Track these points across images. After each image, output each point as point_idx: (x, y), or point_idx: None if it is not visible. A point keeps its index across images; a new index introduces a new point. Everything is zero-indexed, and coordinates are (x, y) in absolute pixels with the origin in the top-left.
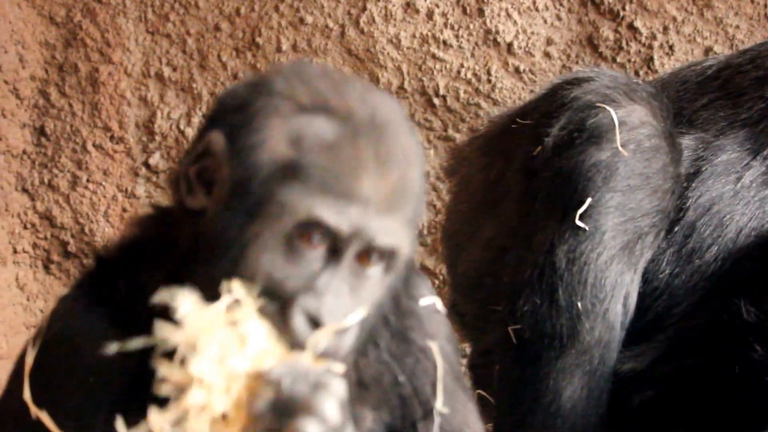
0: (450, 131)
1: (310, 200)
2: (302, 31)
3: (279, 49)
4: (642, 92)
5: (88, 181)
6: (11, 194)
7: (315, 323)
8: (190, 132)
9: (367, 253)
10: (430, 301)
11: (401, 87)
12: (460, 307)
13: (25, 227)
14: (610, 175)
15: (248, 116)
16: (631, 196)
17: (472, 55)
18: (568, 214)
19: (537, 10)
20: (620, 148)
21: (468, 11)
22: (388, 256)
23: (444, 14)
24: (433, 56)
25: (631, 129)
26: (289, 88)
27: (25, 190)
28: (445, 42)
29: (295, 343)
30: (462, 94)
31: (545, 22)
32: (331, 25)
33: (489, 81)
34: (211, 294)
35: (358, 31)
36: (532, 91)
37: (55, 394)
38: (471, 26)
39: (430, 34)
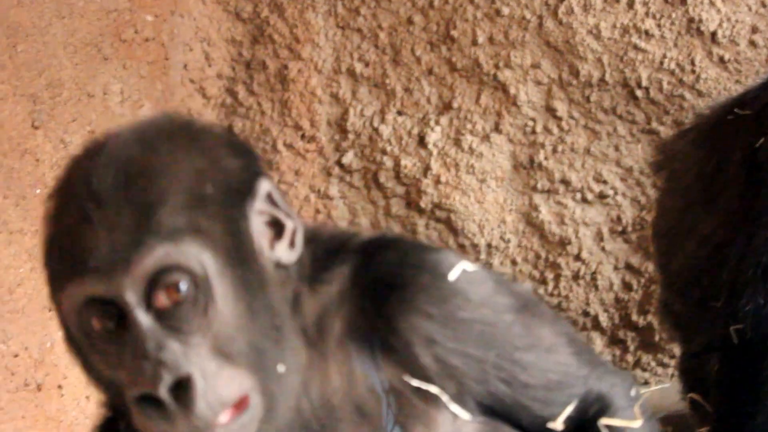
0: (654, 124)
1: (70, 286)
2: (498, 23)
3: (474, 42)
4: None
5: (279, 181)
6: None
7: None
8: (384, 129)
9: (156, 291)
10: (460, 269)
11: (602, 79)
12: (673, 306)
13: None
14: None
15: None
16: None
17: (675, 44)
18: None
19: None
20: None
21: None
22: (180, 276)
23: (645, 3)
24: (635, 47)
25: None
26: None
27: None
28: (646, 32)
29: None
30: (665, 86)
31: (750, 9)
32: (528, 16)
33: (693, 71)
34: None
35: (557, 22)
36: (737, 81)
37: None
38: (673, 15)
39: (631, 23)
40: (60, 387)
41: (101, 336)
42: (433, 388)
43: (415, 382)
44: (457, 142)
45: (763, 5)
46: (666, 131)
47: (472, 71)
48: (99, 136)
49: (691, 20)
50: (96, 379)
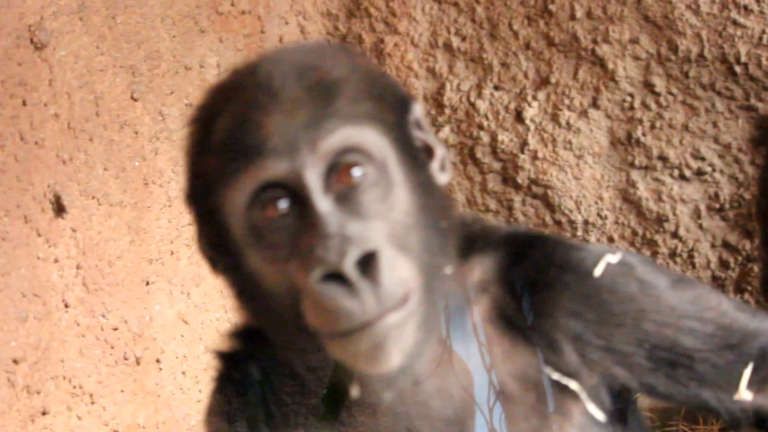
0: (752, 100)
1: (244, 173)
2: None
3: (573, 17)
4: None
5: None
6: None
7: (336, 276)
8: (481, 104)
9: (338, 172)
10: (604, 264)
11: (701, 55)
12: None
13: None
14: None
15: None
16: None
17: None
18: None
19: None
20: None
21: None
22: (360, 158)
23: None
24: (734, 22)
25: None
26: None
27: None
28: (746, 7)
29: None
30: (764, 62)
31: None
32: None
33: None
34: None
35: None
36: None
37: None
38: None
39: None
40: (158, 361)
41: (274, 224)
42: (573, 384)
43: (556, 375)
44: (555, 118)
45: None
46: (765, 107)
47: (569, 46)
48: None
49: None
50: (248, 285)
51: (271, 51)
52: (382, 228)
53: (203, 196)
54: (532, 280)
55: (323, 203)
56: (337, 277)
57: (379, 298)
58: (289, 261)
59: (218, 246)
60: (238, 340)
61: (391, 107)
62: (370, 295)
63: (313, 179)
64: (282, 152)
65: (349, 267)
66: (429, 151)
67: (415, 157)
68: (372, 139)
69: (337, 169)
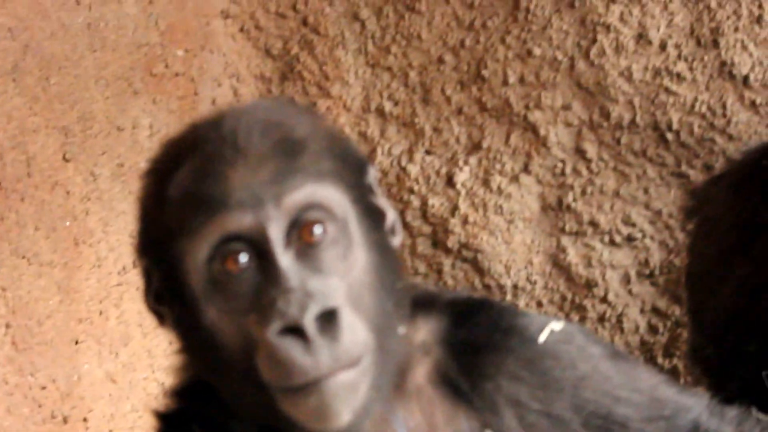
0: (684, 167)
1: (207, 225)
2: (530, 63)
3: (505, 83)
4: None
5: None
6: None
7: (294, 330)
8: (412, 169)
9: (300, 229)
10: (548, 331)
11: (633, 121)
12: (704, 352)
13: None
14: None
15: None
16: None
17: (707, 88)
18: None
19: None
20: None
21: (702, 42)
22: (323, 216)
23: (677, 46)
24: (666, 90)
25: None
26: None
27: None
28: (678, 75)
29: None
30: (696, 129)
31: None
32: (559, 57)
33: (724, 115)
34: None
35: (588, 64)
36: None
37: None
38: (705, 58)
39: (663, 66)
40: (85, 420)
41: (235, 277)
42: None
43: None
44: (486, 183)
45: None
46: (696, 175)
47: (502, 111)
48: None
49: (723, 63)
50: (202, 338)
51: (233, 107)
52: (341, 286)
53: (158, 247)
54: (476, 343)
55: (285, 258)
56: (295, 331)
57: (334, 356)
58: (248, 314)
59: (171, 299)
60: (179, 398)
61: (351, 167)
62: (326, 351)
63: (276, 234)
64: (246, 205)
65: (309, 321)
66: (381, 213)
67: (372, 217)
68: (335, 197)
69: (299, 225)
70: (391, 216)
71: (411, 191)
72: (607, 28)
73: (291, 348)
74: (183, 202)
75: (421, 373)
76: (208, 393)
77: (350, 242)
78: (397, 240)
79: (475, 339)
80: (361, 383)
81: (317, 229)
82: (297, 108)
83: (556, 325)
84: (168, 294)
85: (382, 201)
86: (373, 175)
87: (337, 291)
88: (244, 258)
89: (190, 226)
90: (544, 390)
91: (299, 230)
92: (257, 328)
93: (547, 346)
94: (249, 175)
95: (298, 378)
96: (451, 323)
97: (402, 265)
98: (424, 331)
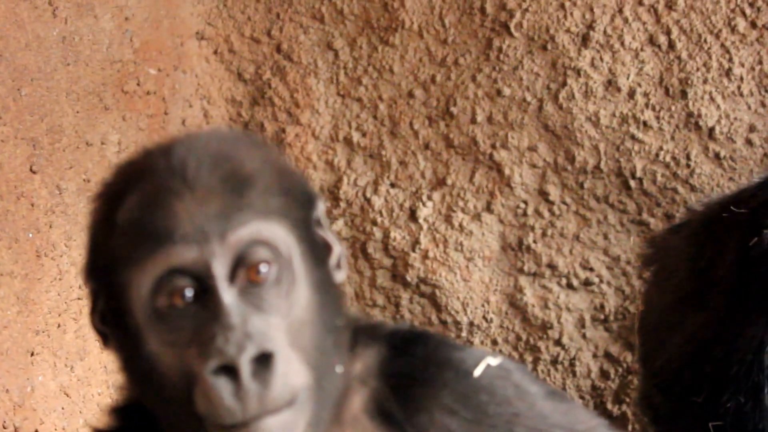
0: (644, 215)
1: (152, 257)
2: (499, 103)
3: (473, 120)
4: None
5: None
6: None
7: (230, 369)
8: (377, 200)
9: (247, 267)
10: (484, 365)
11: (597, 167)
12: (653, 400)
13: None
14: None
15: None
16: None
17: (672, 137)
18: None
19: (742, 95)
20: None
21: (671, 92)
22: (268, 254)
23: (646, 94)
24: (632, 137)
25: None
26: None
27: None
28: (645, 123)
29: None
30: (659, 178)
31: (749, 108)
32: (528, 98)
33: (688, 165)
34: None
35: (557, 107)
36: (731, 178)
37: None
38: (673, 108)
39: (630, 113)
40: None
41: (178, 310)
42: None
43: None
44: (448, 219)
45: (763, 105)
46: (656, 223)
47: (468, 149)
48: (163, 141)
49: (690, 114)
50: (142, 365)
51: (185, 135)
52: (281, 325)
53: (104, 272)
54: (412, 375)
55: (228, 294)
56: (230, 370)
57: (263, 401)
58: (188, 347)
59: (115, 323)
60: (118, 417)
61: (299, 203)
62: (255, 396)
63: (220, 270)
64: (191, 240)
65: (245, 363)
66: (327, 248)
67: (317, 254)
68: (280, 235)
69: (243, 262)
70: (337, 250)
71: (374, 223)
72: (578, 72)
73: (223, 389)
74: (129, 231)
75: (357, 403)
76: (146, 414)
77: (293, 281)
78: (342, 275)
79: (411, 371)
80: (299, 421)
81: (263, 268)
82: (249, 140)
83: (493, 360)
84: (112, 318)
85: (329, 235)
86: (321, 209)
87: (277, 331)
88: (189, 293)
89: (135, 256)
90: (477, 424)
91: (244, 267)
92: (196, 362)
93: (483, 381)
94: (196, 208)
95: (228, 419)
96: (390, 354)
97: (344, 301)
98: (363, 361)
